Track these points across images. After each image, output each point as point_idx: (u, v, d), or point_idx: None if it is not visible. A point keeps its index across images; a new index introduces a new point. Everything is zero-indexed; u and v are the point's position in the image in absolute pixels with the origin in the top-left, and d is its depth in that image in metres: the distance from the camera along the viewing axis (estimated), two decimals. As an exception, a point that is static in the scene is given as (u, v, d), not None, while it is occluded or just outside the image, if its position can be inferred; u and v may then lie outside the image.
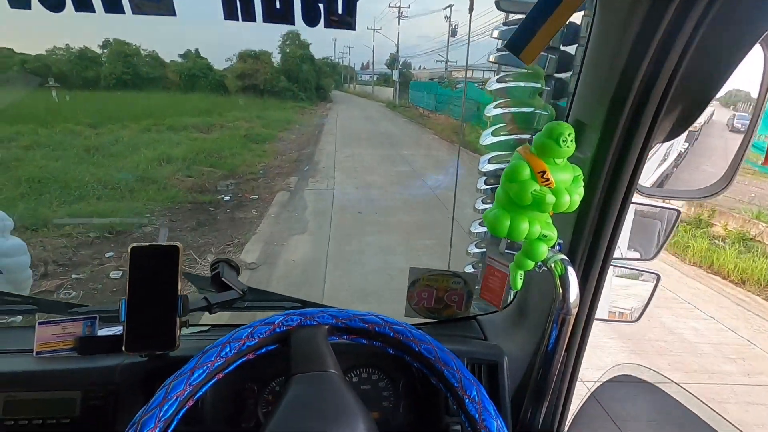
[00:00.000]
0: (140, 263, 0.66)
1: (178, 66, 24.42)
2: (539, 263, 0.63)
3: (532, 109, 0.83)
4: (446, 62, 30.11)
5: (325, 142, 13.49)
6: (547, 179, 0.57)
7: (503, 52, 0.82)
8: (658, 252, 0.86)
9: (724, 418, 0.87)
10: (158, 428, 0.47)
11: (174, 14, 0.57)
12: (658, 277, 0.86)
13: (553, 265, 0.63)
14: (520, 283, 0.66)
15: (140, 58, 22.58)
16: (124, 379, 0.69)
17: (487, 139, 0.87)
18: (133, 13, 0.56)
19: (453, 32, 30.14)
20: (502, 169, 0.62)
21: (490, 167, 0.87)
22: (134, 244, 0.67)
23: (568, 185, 0.58)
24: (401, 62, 37.47)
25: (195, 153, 8.76)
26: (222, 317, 0.82)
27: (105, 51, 22.54)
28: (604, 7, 0.58)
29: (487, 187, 0.90)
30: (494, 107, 0.86)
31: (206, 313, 0.75)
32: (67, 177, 6.29)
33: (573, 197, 0.58)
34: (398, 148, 12.78)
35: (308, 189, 7.38)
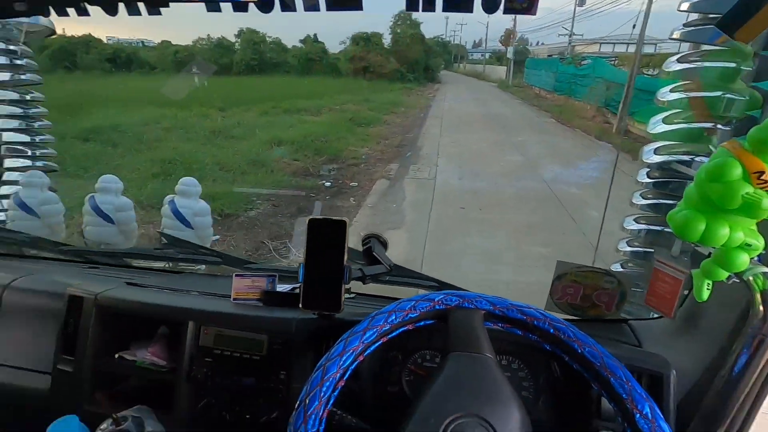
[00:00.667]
0: (316, 233, 0.76)
1: (298, 51, 25.62)
2: (732, 275, 0.56)
3: (722, 93, 0.72)
4: (570, 35, 26.54)
5: (430, 125, 12.96)
6: (765, 181, 0.49)
7: (692, 28, 0.72)
8: None
9: None
10: (339, 374, 0.55)
11: (361, 8, 0.63)
12: None
13: (752, 277, 0.56)
14: (706, 294, 0.60)
15: (266, 45, 24.10)
16: (298, 331, 0.80)
17: (657, 126, 0.80)
18: (327, 9, 0.64)
19: (581, 1, 26.31)
20: (674, 161, 0.61)
21: (657, 158, 0.81)
22: (312, 217, 0.77)
23: None
24: (517, 38, 34.06)
25: (304, 136, 9.21)
26: (368, 288, 0.89)
27: (238, 40, 25.17)
28: None
29: (649, 180, 0.85)
30: (672, 90, 0.78)
31: (359, 283, 0.81)
32: (191, 159, 7.06)
33: None
34: (509, 133, 11.77)
35: (408, 177, 7.12)
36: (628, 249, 0.92)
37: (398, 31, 27.64)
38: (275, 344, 0.82)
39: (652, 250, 0.90)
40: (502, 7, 0.55)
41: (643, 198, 0.88)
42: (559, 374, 0.77)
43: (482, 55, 50.04)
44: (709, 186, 0.53)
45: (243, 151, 7.66)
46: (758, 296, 0.57)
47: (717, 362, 0.68)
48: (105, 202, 1.41)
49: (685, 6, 0.73)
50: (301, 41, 27.39)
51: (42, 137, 1.47)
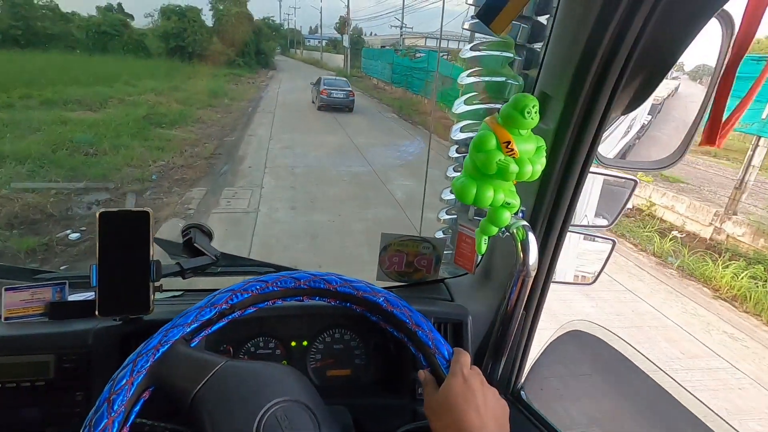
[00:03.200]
0: (110, 228, 0.71)
1: (85, 21, 19.28)
2: (502, 229, 0.73)
3: (503, 79, 0.88)
4: (401, 27, 26.42)
5: (259, 123, 11.15)
6: (512, 149, 0.62)
7: (477, 20, 0.81)
8: (615, 219, 0.96)
9: (669, 375, 0.98)
10: (137, 380, 0.53)
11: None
12: (614, 243, 0.99)
13: (515, 230, 0.71)
14: (484, 247, 0.76)
15: (34, 9, 17.79)
16: (98, 342, 0.75)
17: (459, 107, 0.92)
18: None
19: (408, -7, 26.40)
20: (473, 137, 0.70)
21: (462, 135, 0.94)
22: (103, 209, 0.70)
23: (531, 155, 0.65)
24: (352, 27, 33.01)
25: (55, 146, 6.52)
26: (196, 283, 0.87)
27: None
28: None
29: (458, 155, 0.98)
30: (467, 75, 0.91)
31: (180, 279, 0.82)
32: None
33: (535, 167, 0.65)
34: (352, 132, 10.80)
35: (217, 212, 5.29)
36: (447, 217, 1.07)
37: (220, 7, 23.28)
38: (67, 362, 0.75)
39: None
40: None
41: (454, 171, 1.00)
42: (389, 338, 0.88)
43: (319, 42, 48.33)
44: (476, 155, 0.64)
45: None
46: (519, 245, 0.70)
47: (500, 304, 0.84)
48: None
49: (470, 0, 0.84)
50: (99, 10, 20.88)
51: None
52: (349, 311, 0.69)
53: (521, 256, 0.70)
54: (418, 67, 16.90)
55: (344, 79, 17.34)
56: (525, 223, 0.71)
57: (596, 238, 0.98)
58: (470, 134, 0.93)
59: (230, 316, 0.63)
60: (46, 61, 15.77)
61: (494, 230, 0.72)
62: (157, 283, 0.73)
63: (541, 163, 0.66)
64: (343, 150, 8.69)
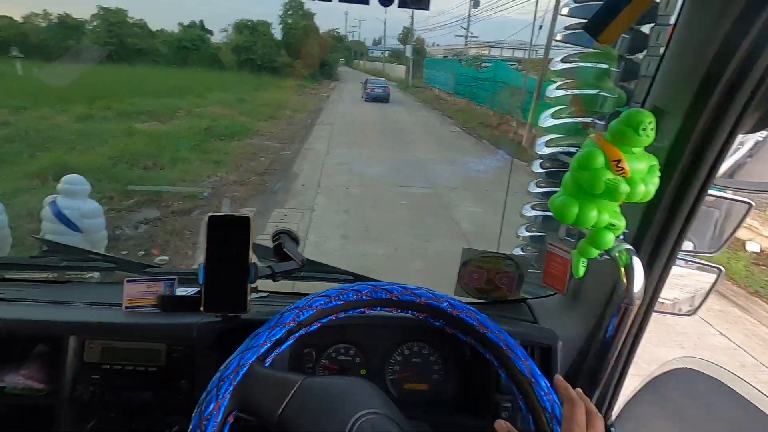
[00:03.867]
0: (216, 231, 0.77)
1: (168, 37, 20.62)
2: (602, 252, 0.72)
3: (598, 91, 0.85)
4: (467, 36, 25.44)
5: (317, 137, 11.03)
6: (622, 168, 0.59)
7: (572, 31, 0.84)
8: (722, 246, 0.89)
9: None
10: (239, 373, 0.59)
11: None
12: (720, 272, 0.90)
13: (618, 254, 0.68)
14: (582, 270, 0.73)
15: (126, 27, 20.23)
16: (201, 336, 0.83)
17: (546, 120, 0.91)
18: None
19: (475, 3, 25.63)
20: (560, 152, 0.71)
21: (548, 150, 0.92)
22: (211, 214, 0.77)
23: (643, 175, 0.62)
24: (415, 37, 32.86)
25: (115, 158, 6.53)
26: (281, 285, 0.92)
27: (87, 19, 21.00)
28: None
29: (542, 170, 0.96)
30: (557, 88, 0.90)
31: (269, 281, 0.87)
32: None
33: (648, 188, 0.62)
34: (412, 146, 10.30)
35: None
36: (527, 234, 1.04)
37: (289, 21, 23.96)
38: (175, 352, 0.84)
39: (545, 234, 1.06)
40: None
41: (538, 187, 0.98)
42: (468, 356, 0.91)
43: (382, 53, 48.80)
44: (580, 173, 0.62)
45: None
46: (622, 270, 0.67)
47: (595, 330, 0.83)
48: (69, 206, 1.31)
49: (565, 11, 0.84)
50: (181, 26, 22.16)
51: None
52: (430, 324, 0.70)
53: (624, 282, 0.67)
54: (483, 78, 16.14)
55: (383, 79, 25.27)
56: (629, 246, 0.68)
57: (699, 264, 0.91)
58: (557, 149, 0.92)
59: (298, 334, 0.65)
60: (131, 74, 16.91)
61: (595, 253, 0.69)
62: (253, 285, 0.78)
63: (653, 184, 0.63)
64: (402, 167, 8.27)
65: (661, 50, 0.68)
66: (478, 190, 7.02)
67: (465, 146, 11.14)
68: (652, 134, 0.58)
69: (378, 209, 5.86)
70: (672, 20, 0.66)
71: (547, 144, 0.92)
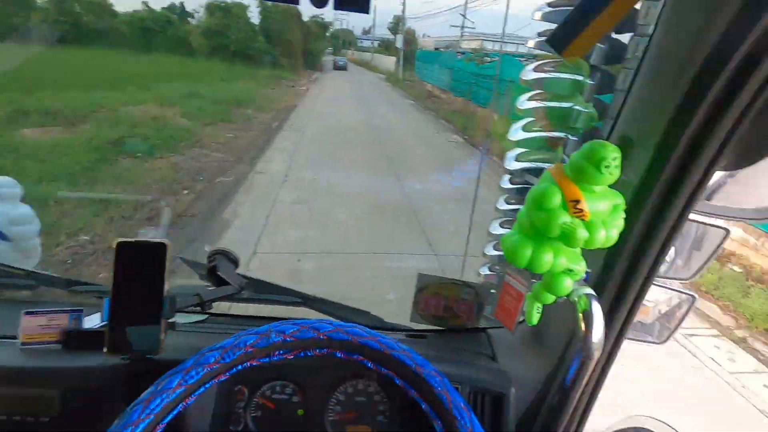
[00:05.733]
0: (126, 259, 0.70)
1: (130, 17, 18.71)
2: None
3: (570, 105, 0.77)
4: (463, 27, 23.87)
5: (278, 149, 8.24)
6: (581, 210, 0.52)
7: (544, 38, 0.76)
8: (697, 272, 0.82)
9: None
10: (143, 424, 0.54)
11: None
12: (693, 299, 0.86)
13: (577, 299, 0.60)
14: (536, 318, 0.65)
15: (81, 3, 16.93)
16: (105, 380, 0.75)
17: (516, 133, 0.86)
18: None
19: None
20: (531, 168, 0.64)
21: (517, 165, 0.88)
22: (120, 239, 0.70)
23: (605, 217, 0.55)
24: (406, 27, 31.31)
25: None
26: (226, 307, 0.86)
27: None
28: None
29: (512, 186, 0.92)
30: (528, 99, 0.83)
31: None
32: None
33: (609, 232, 0.55)
34: (403, 171, 7.33)
35: None
36: (495, 253, 0.98)
37: (268, 4, 22.16)
38: (72, 401, 0.74)
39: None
40: (331, 2, 0.52)
41: (507, 203, 0.93)
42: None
43: (372, 43, 47.03)
44: (535, 213, 0.55)
45: None
46: (581, 317, 0.60)
47: (553, 374, 0.78)
48: (-4, 213, 1.26)
49: (537, 16, 0.78)
50: (145, 4, 20.41)
51: None
52: (381, 358, 0.67)
53: (583, 330, 0.60)
54: (486, 74, 14.01)
55: (344, 58, 41.41)
56: (589, 291, 0.60)
57: (670, 290, 0.87)
58: (526, 164, 0.88)
59: (221, 380, 0.61)
60: (82, 58, 14.72)
61: (551, 299, 0.62)
62: (170, 320, 0.72)
63: (617, 227, 0.56)
64: (390, 210, 5.47)
65: (636, 65, 0.61)
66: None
67: (472, 166, 8.06)
68: (616, 172, 0.51)
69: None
70: (650, 30, 0.59)
71: (518, 158, 0.86)
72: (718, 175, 0.70)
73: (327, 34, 37.63)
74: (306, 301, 0.91)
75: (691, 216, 0.71)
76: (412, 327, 0.99)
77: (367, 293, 3.39)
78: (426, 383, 0.63)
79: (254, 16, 24.24)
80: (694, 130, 0.51)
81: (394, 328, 0.98)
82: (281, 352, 0.63)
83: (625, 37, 0.66)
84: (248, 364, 0.62)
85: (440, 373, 0.64)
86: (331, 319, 0.73)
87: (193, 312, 0.81)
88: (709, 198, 0.70)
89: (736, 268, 4.91)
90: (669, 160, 0.54)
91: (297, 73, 23.67)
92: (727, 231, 0.78)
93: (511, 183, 0.92)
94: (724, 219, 0.77)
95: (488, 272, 0.98)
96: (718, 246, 0.79)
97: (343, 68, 37.31)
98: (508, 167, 0.89)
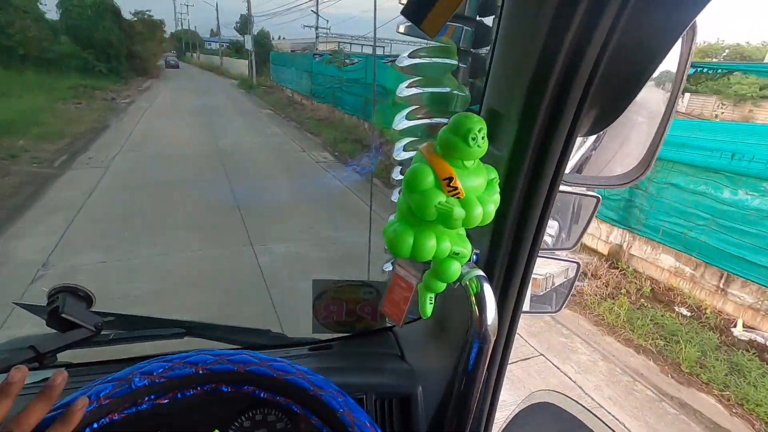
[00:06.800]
0: None
1: None
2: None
3: (448, 90, 0.77)
4: (317, 27, 23.68)
5: (49, 208, 5.05)
6: (455, 188, 0.49)
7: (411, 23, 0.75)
8: (577, 241, 0.87)
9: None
10: None
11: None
12: (578, 266, 0.92)
13: (468, 282, 0.59)
14: (429, 309, 0.62)
15: None
16: None
17: (401, 123, 0.82)
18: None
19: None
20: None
21: (406, 155, 0.85)
22: None
23: (480, 193, 0.53)
24: (255, 28, 30.40)
25: None
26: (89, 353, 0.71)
27: None
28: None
29: (402, 177, 0.86)
30: (406, 87, 0.80)
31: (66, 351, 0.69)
32: None
33: (487, 208, 0.52)
34: (263, 214, 5.18)
35: None
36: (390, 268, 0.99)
37: (71, -3, 18.59)
38: None
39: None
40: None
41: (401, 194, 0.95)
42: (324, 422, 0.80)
43: (220, 45, 43.91)
44: (410, 197, 0.52)
45: None
46: (473, 300, 0.58)
47: (457, 364, 0.73)
48: None
49: None
50: None
51: None
52: (275, 385, 0.60)
53: (477, 313, 0.58)
54: (351, 78, 12.48)
55: (175, 56, 41.94)
56: (480, 272, 0.58)
57: (557, 260, 0.91)
58: (413, 153, 0.84)
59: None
60: None
61: (442, 286, 0.60)
62: None
63: (494, 201, 0.54)
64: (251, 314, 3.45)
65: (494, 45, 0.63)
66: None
67: (348, 203, 6.22)
68: (484, 144, 0.49)
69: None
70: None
71: (405, 148, 0.83)
72: (585, 148, 0.74)
73: (166, 35, 33.18)
74: (189, 330, 0.82)
75: (567, 189, 0.74)
76: (318, 338, 0.94)
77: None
78: (326, 407, 0.58)
79: (51, 11, 19.62)
80: (550, 100, 0.52)
81: (298, 343, 0.91)
82: (152, 397, 0.55)
83: (489, 20, 0.66)
84: (107, 419, 0.52)
85: (341, 391, 0.60)
86: (214, 348, 0.64)
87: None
88: (579, 170, 0.75)
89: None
90: (533, 130, 0.55)
91: (121, 80, 19.90)
92: (599, 198, 0.82)
93: (401, 174, 0.90)
94: (595, 187, 0.83)
95: (391, 268, 0.96)
96: (593, 212, 0.85)
97: (174, 66, 38.08)
98: (396, 158, 0.86)
